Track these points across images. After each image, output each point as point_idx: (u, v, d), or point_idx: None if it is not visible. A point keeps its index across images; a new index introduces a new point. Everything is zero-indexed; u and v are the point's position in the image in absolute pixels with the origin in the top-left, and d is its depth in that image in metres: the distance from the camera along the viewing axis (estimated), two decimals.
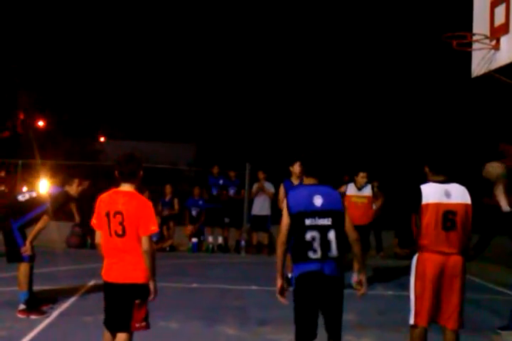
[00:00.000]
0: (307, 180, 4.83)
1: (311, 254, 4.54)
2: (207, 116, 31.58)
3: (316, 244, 4.53)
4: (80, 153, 26.00)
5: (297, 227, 4.58)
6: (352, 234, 4.67)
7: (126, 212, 4.54)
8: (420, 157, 5.88)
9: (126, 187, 4.67)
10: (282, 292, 4.72)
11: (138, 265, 4.56)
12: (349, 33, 28.42)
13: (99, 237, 4.68)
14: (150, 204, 4.65)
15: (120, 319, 4.60)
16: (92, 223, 4.73)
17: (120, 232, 4.53)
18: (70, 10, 30.50)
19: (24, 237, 6.99)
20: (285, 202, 4.71)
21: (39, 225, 6.93)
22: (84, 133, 30.28)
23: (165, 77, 32.46)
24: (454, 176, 5.26)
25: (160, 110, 33.09)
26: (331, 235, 4.55)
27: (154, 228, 4.58)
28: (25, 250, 6.91)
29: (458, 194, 5.11)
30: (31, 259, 7.07)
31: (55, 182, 7.70)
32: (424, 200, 5.06)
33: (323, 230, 4.55)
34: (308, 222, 4.55)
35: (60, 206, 7.13)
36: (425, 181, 5.24)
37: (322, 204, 4.59)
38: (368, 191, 9.51)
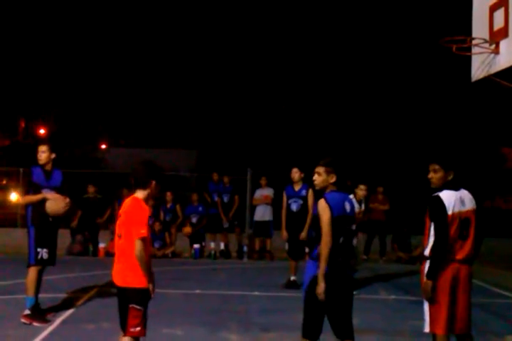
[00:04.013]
0: (331, 187, 4.87)
1: (339, 256, 4.71)
2: (208, 123, 31.63)
3: (344, 247, 4.74)
4: (82, 161, 26.06)
5: (334, 231, 4.67)
6: None
7: (123, 214, 4.68)
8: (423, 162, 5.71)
9: (137, 194, 4.75)
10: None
11: (134, 268, 4.56)
12: (348, 41, 28.47)
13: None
14: (145, 208, 4.66)
15: (121, 322, 4.65)
16: None
17: (120, 234, 4.67)
18: (70, 15, 30.65)
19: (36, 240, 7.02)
20: (326, 205, 4.68)
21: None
22: (86, 141, 30.36)
23: (165, 85, 32.53)
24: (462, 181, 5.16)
25: (161, 117, 33.15)
26: (354, 239, 4.88)
27: (143, 231, 4.56)
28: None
29: (468, 200, 5.01)
30: (40, 263, 7.01)
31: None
32: (449, 211, 4.87)
33: (349, 234, 4.78)
34: (342, 226, 4.74)
35: (29, 182, 7.12)
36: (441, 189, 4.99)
37: (350, 210, 4.81)
38: (357, 206, 9.32)
